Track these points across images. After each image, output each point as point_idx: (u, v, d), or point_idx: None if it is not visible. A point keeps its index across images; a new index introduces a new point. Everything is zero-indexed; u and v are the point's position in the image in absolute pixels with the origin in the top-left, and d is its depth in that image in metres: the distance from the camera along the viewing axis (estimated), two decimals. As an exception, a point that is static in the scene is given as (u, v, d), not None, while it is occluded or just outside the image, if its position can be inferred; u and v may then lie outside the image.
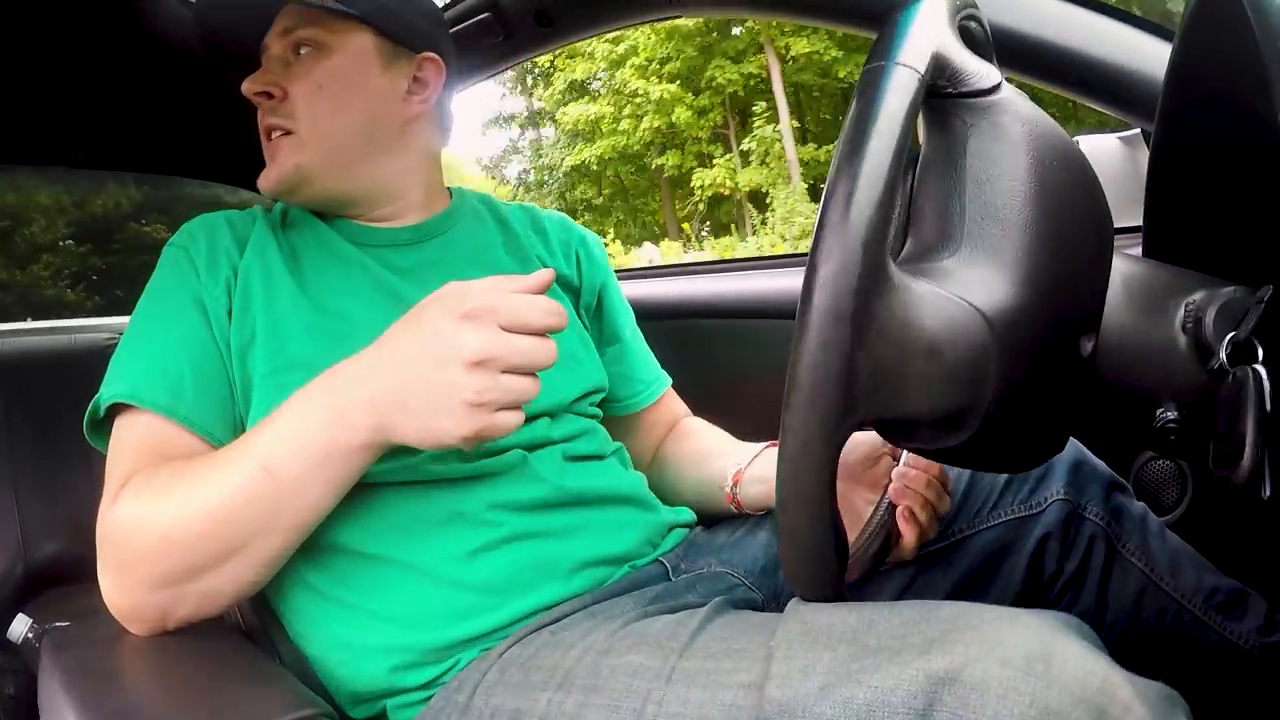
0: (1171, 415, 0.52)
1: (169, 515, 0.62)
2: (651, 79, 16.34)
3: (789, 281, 1.26)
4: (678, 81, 16.36)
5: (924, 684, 0.41)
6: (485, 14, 1.14)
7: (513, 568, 0.69)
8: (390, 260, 0.82)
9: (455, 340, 0.57)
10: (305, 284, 0.77)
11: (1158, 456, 0.90)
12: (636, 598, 0.69)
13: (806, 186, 15.38)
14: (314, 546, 0.68)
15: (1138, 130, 0.95)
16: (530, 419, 0.74)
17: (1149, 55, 0.80)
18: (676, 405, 1.02)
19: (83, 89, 1.17)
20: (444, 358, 0.57)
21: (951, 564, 0.75)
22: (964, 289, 0.45)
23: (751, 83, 16.16)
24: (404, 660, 0.66)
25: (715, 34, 15.85)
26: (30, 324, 1.44)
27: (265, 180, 0.80)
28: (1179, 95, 0.57)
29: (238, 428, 0.73)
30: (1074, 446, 0.75)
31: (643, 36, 15.42)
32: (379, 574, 0.69)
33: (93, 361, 1.15)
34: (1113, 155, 0.97)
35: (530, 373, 0.58)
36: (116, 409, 0.71)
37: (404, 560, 0.69)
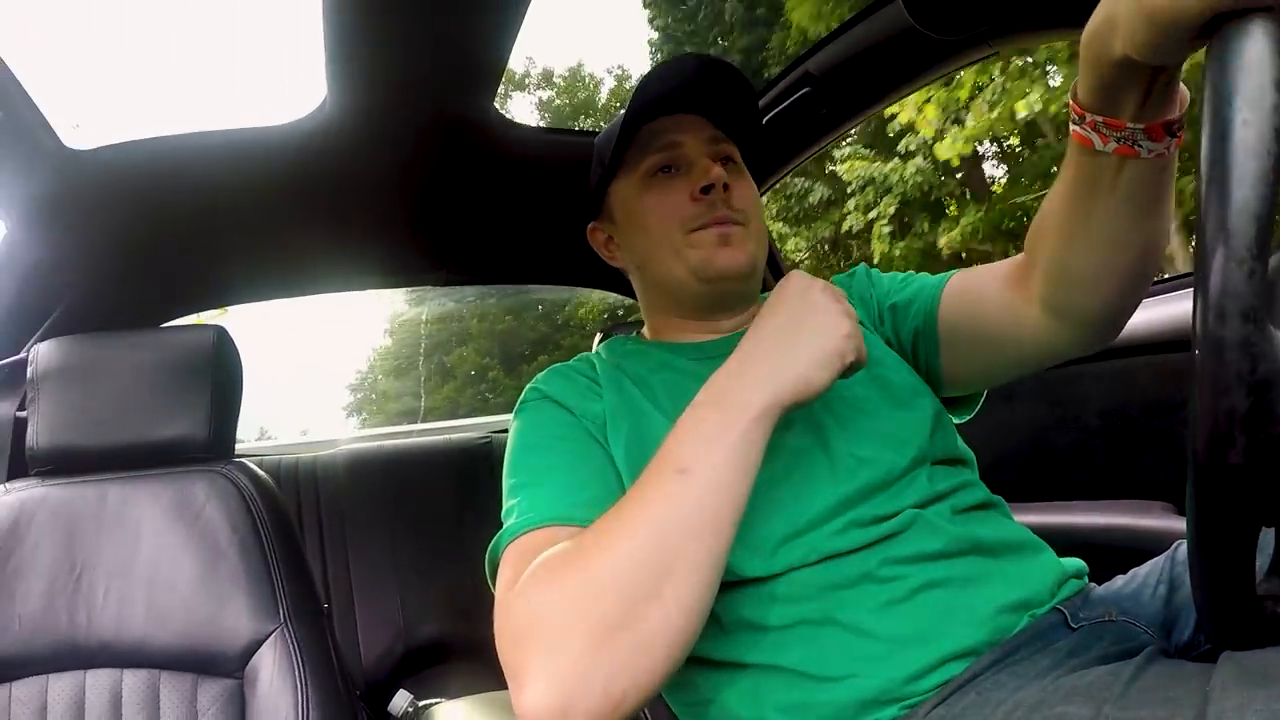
0: None
1: (590, 558, 0.59)
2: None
3: (1161, 312, 1.08)
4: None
5: None
6: (805, 89, 1.16)
7: (923, 616, 0.68)
8: None
9: (803, 280, 0.69)
10: (667, 410, 0.81)
11: None
12: (1051, 653, 0.67)
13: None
14: (720, 625, 0.68)
15: None
16: (908, 471, 0.76)
17: None
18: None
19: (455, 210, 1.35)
20: (802, 288, 0.69)
21: None
22: None
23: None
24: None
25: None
26: (412, 425, 1.67)
27: (733, 260, 0.85)
28: None
29: None
30: None
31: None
32: (792, 635, 0.69)
33: (466, 458, 1.27)
34: None
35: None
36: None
37: (817, 619, 0.69)
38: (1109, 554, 0.91)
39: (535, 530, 0.68)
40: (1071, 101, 0.60)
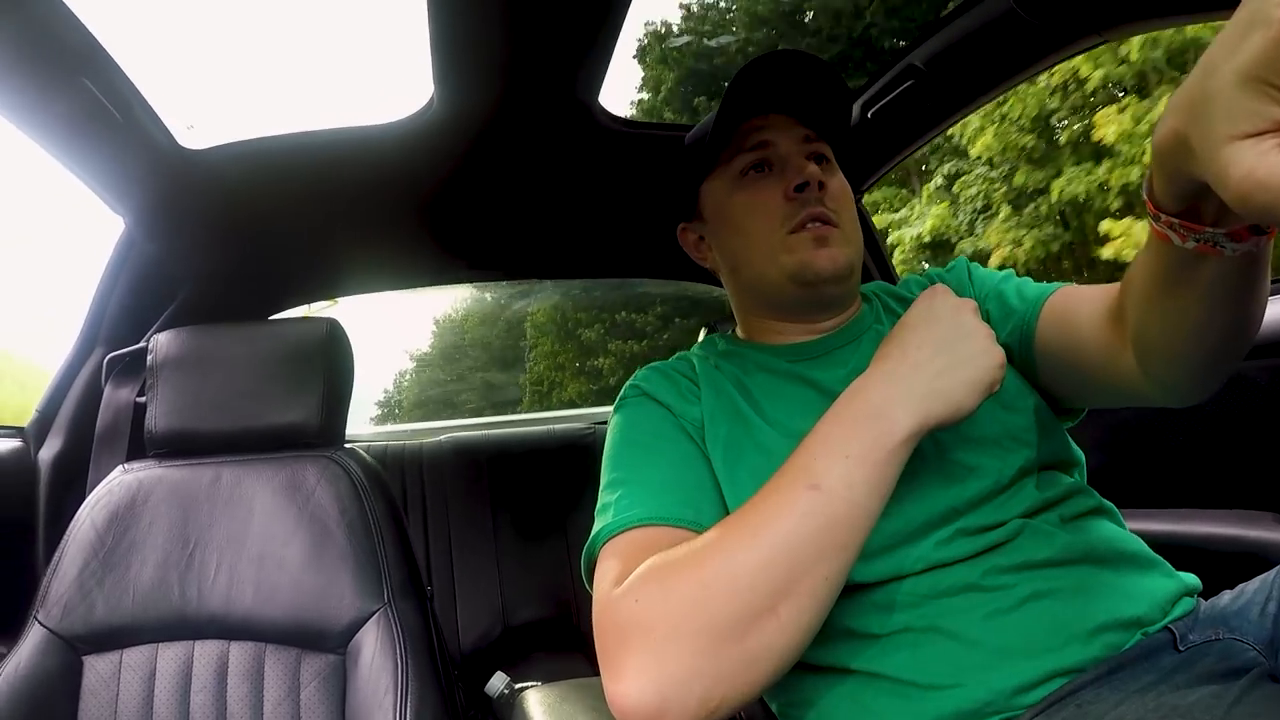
0: None
1: (706, 565, 0.58)
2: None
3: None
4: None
5: None
6: (909, 81, 1.14)
7: (1031, 628, 0.66)
8: (826, 370, 0.84)
9: (953, 299, 0.68)
10: (766, 413, 0.80)
11: None
12: (1156, 670, 0.64)
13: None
14: (823, 630, 0.65)
15: None
16: (1016, 480, 0.74)
17: None
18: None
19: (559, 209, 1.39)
20: (953, 308, 0.66)
21: None
22: None
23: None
24: None
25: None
26: (516, 415, 1.71)
27: (832, 261, 0.82)
28: None
29: None
30: None
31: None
32: (896, 642, 0.68)
33: (569, 448, 1.29)
34: None
35: None
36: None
37: (921, 627, 0.67)
38: (1214, 563, 0.88)
39: (633, 529, 0.68)
40: (1146, 197, 0.53)
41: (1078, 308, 0.77)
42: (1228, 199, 0.39)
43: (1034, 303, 0.81)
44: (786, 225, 0.83)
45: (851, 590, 0.69)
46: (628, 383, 0.88)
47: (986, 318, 0.85)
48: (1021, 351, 0.81)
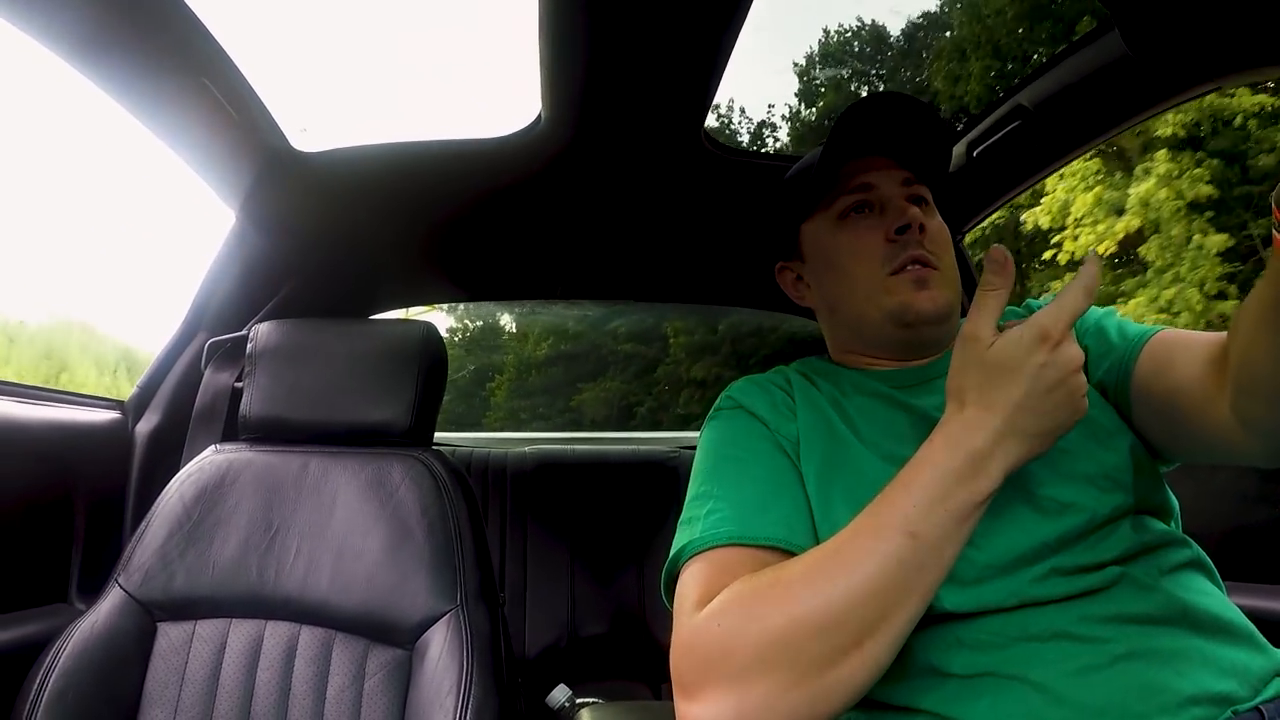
0: None
1: (797, 597, 0.59)
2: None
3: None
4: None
5: None
6: (1016, 122, 1.13)
7: (1121, 689, 0.63)
8: (924, 397, 0.82)
9: (1068, 352, 0.61)
10: (862, 435, 0.79)
11: None
12: None
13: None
14: (904, 667, 0.65)
15: None
16: (1111, 519, 0.71)
17: None
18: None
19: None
20: (1068, 362, 0.61)
21: None
22: None
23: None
24: None
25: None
26: (601, 434, 1.74)
27: (932, 303, 0.83)
28: None
29: None
30: None
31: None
32: (977, 686, 0.65)
33: (652, 470, 1.31)
34: None
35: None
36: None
37: (1006, 673, 0.65)
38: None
39: (720, 547, 0.69)
40: (1274, 207, 0.53)
41: (1177, 352, 0.75)
42: None
43: (1135, 342, 0.79)
44: (887, 267, 0.84)
45: (939, 620, 0.67)
46: (723, 394, 0.89)
47: (1085, 353, 0.83)
48: (1117, 391, 0.79)
